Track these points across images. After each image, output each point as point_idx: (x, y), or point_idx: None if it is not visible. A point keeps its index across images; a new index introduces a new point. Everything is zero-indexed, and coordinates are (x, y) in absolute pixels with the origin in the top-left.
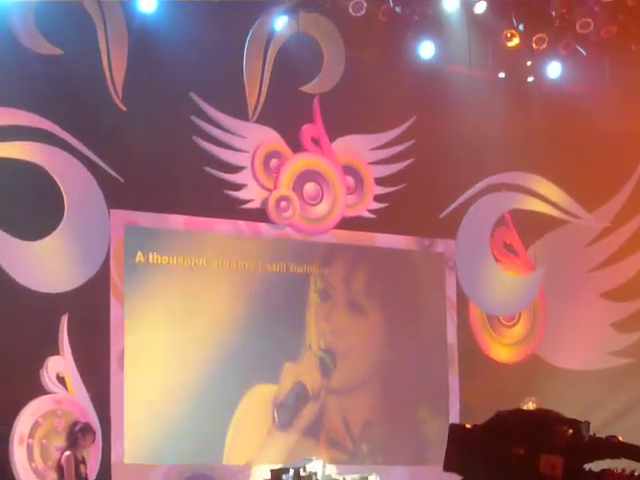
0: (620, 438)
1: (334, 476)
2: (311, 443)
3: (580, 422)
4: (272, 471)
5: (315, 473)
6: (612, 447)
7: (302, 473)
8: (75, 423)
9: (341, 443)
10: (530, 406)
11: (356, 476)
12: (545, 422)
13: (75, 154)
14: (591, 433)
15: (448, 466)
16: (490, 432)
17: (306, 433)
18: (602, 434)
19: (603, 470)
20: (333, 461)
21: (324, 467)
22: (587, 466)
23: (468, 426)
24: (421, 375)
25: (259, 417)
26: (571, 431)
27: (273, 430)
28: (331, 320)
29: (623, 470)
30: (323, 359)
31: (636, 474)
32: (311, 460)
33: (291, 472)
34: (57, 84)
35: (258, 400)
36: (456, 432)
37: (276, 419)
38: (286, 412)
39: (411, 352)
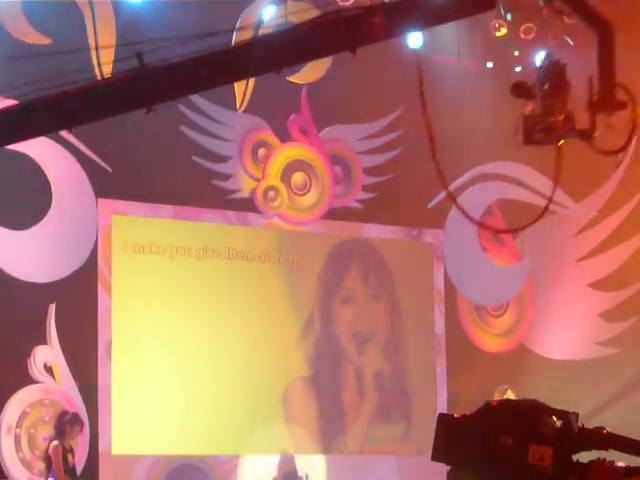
0: (608, 429)
1: None
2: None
3: (569, 413)
4: None
5: None
6: (600, 438)
7: None
8: (64, 413)
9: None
10: (509, 394)
11: None
12: (534, 413)
13: (63, 143)
14: (579, 424)
15: (437, 456)
16: (479, 422)
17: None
18: (589, 424)
19: (592, 461)
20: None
21: None
22: (575, 457)
23: (457, 416)
24: (409, 365)
25: (248, 407)
26: (560, 422)
27: (264, 419)
28: (325, 306)
29: (612, 462)
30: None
31: (624, 465)
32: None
33: None
34: (45, 73)
35: (248, 390)
36: (445, 422)
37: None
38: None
39: (398, 342)
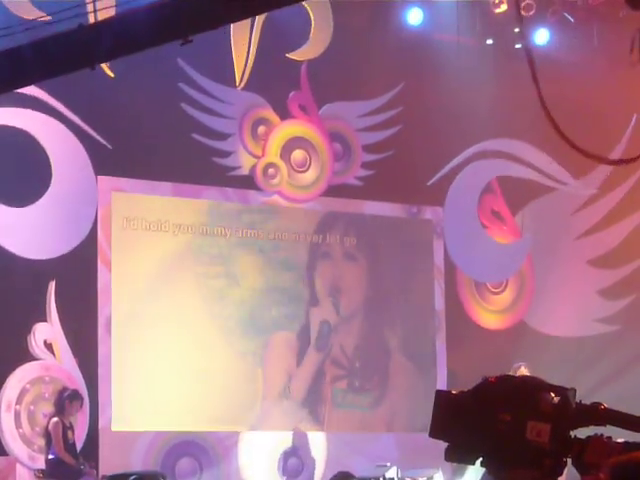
0: (605, 405)
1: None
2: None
3: (567, 389)
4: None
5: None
6: (598, 414)
7: None
8: (63, 389)
9: (341, 362)
10: (523, 371)
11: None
12: (532, 389)
13: (63, 120)
14: (577, 400)
15: (434, 432)
16: (477, 398)
17: (325, 357)
18: (587, 401)
19: (589, 437)
20: (336, 378)
21: (398, 472)
22: (573, 433)
23: (454, 392)
24: (408, 341)
25: (249, 383)
26: (558, 398)
27: (266, 395)
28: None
29: (609, 437)
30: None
31: (621, 440)
32: (386, 466)
33: None
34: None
35: (246, 365)
36: (443, 398)
37: (314, 347)
38: (321, 342)
39: (399, 318)
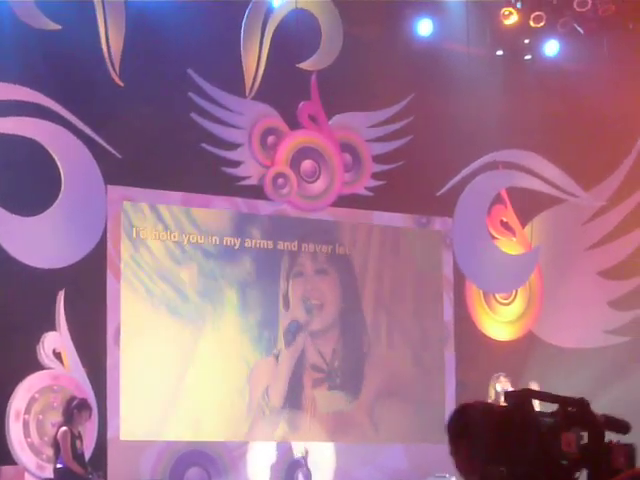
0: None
1: None
2: (299, 372)
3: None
4: None
5: None
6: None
7: None
8: (72, 399)
9: (319, 365)
10: (502, 381)
11: None
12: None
13: (72, 130)
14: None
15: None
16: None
17: (298, 361)
18: (597, 411)
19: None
20: (317, 382)
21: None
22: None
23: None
24: (417, 352)
25: (256, 393)
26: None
27: (268, 404)
28: (319, 292)
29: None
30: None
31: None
32: (445, 477)
33: None
34: (55, 59)
35: (255, 376)
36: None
37: (284, 344)
38: (288, 337)
39: (407, 329)
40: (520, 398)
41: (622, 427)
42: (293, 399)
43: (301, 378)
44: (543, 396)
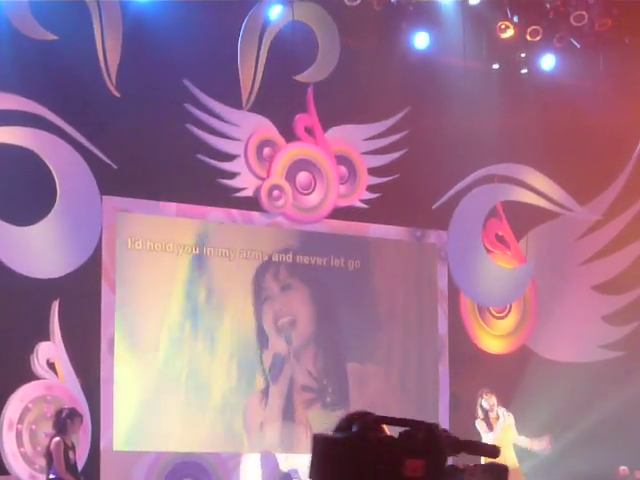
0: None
1: None
2: (290, 401)
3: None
4: None
5: None
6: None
7: None
8: (61, 410)
9: (309, 385)
10: (484, 397)
11: None
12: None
13: (68, 140)
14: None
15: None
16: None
17: (289, 389)
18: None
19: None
20: (310, 403)
21: None
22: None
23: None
24: (411, 365)
25: (249, 405)
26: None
27: (264, 416)
28: (319, 306)
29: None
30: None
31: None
32: None
33: None
34: (51, 70)
35: (247, 388)
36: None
37: (269, 378)
38: (275, 372)
39: (402, 342)
40: (364, 424)
41: (487, 452)
42: (288, 418)
43: (293, 403)
44: (390, 421)
